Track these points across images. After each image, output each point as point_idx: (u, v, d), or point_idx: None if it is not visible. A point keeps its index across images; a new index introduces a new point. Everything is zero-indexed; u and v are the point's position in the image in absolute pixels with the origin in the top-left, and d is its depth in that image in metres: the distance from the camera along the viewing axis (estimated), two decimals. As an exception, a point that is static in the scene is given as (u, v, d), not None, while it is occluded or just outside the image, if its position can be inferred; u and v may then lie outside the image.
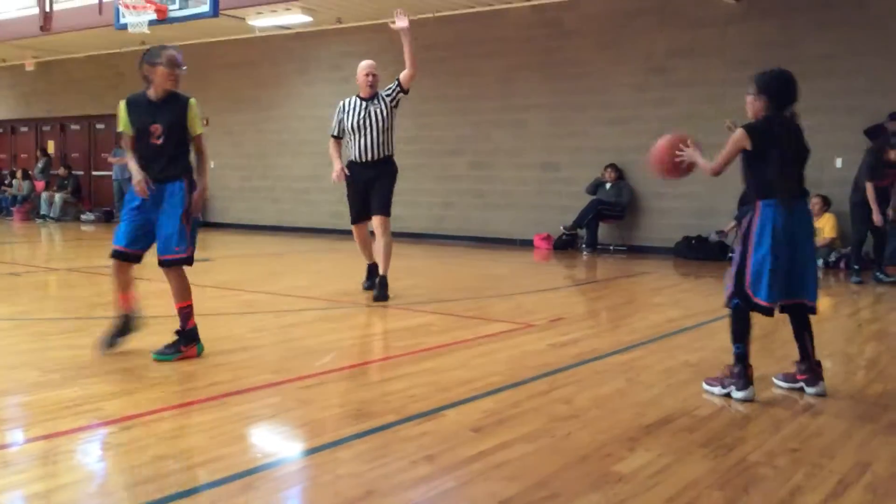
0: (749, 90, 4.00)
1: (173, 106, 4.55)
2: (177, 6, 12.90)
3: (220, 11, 12.74)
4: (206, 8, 12.70)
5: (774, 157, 3.88)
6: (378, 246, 7.01)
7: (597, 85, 12.44)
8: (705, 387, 4.03)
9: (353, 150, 7.04)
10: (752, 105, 4.00)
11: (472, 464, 2.95)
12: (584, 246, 12.21)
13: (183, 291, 4.61)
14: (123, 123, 4.57)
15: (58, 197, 17.89)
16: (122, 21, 13.38)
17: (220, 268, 10.01)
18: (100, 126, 18.49)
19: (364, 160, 7.01)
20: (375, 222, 6.97)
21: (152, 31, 13.60)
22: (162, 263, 4.57)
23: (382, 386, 4.12)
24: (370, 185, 7.02)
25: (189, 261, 4.59)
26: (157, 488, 2.67)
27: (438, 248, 12.59)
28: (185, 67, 4.58)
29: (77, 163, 18.91)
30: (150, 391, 3.85)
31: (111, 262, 4.60)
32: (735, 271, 3.92)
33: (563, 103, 12.75)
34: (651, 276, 9.55)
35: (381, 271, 6.96)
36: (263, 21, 14.29)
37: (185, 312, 4.59)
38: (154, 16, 12.97)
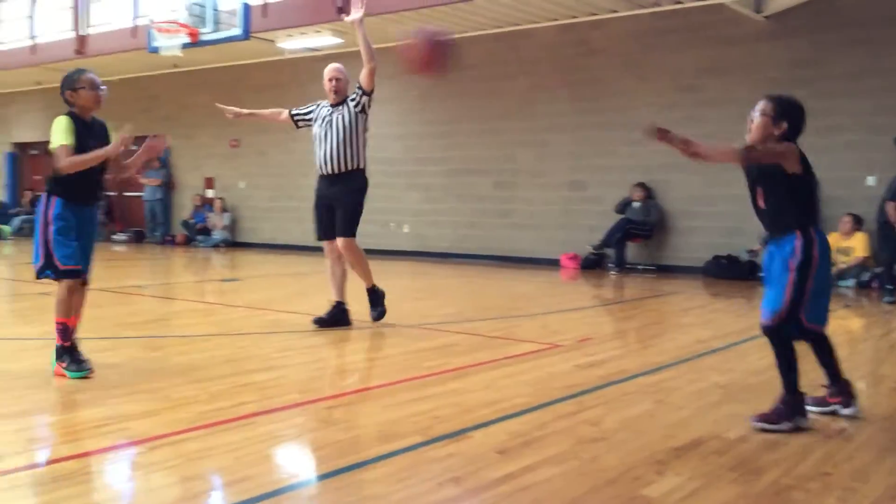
0: (765, 112, 3.79)
1: (102, 129, 4.75)
2: (209, 29, 13.10)
3: (252, 34, 12.91)
4: (238, 31, 12.89)
5: (814, 183, 3.83)
6: (347, 266, 6.57)
7: (624, 104, 12.41)
8: (760, 425, 3.69)
9: (316, 161, 6.53)
10: (765, 128, 3.78)
11: (498, 486, 2.92)
12: (611, 265, 12.14)
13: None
14: (69, 136, 4.49)
15: (90, 217, 18.16)
16: (155, 44, 13.61)
17: (247, 287, 10.07)
18: (133, 148, 18.76)
19: (326, 172, 6.44)
20: (339, 244, 6.46)
21: (184, 54, 13.82)
22: (86, 282, 4.80)
23: (408, 406, 4.11)
24: (336, 202, 6.45)
25: None
26: (184, 509, 2.68)
27: (463, 267, 12.59)
28: (104, 88, 4.68)
29: (108, 184, 19.20)
30: (176, 411, 3.87)
31: (66, 283, 4.61)
32: (789, 299, 3.70)
33: (589, 122, 12.74)
34: (680, 295, 9.46)
35: (366, 285, 6.56)
36: (293, 43, 14.44)
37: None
38: (187, 39, 13.17)
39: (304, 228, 15.94)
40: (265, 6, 13.26)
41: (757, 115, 3.82)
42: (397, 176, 14.61)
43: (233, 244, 16.86)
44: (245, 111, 6.88)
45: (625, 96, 12.42)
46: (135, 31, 15.08)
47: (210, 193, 17.55)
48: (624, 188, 12.22)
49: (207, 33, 13.14)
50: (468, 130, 13.91)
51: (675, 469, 3.15)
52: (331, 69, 6.64)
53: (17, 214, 19.43)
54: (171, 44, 13.39)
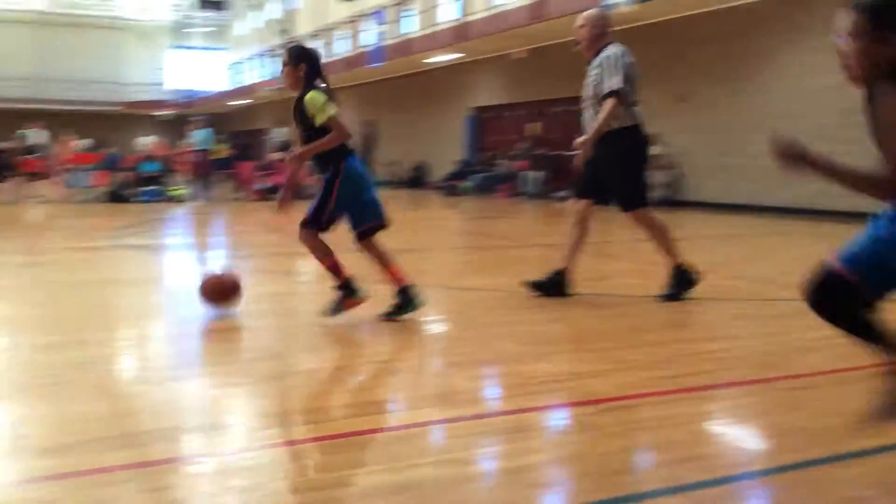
0: (855, 30, 2.41)
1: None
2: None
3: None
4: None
5: None
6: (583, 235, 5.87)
7: None
8: None
9: None
10: (865, 54, 2.42)
11: None
12: None
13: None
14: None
15: (536, 175, 19.22)
16: (609, 1, 13.75)
17: (688, 249, 9.72)
18: (576, 108, 19.42)
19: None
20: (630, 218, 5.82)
21: (630, 9, 13.80)
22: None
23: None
24: (597, 166, 5.67)
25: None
26: (636, 480, 2.55)
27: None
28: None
29: (555, 144, 20.09)
30: (625, 374, 3.76)
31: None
32: None
33: None
34: None
35: (669, 264, 5.75)
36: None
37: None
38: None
39: (751, 187, 15.04)
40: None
41: (844, 39, 2.46)
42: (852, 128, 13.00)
43: (673, 203, 16.53)
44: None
45: None
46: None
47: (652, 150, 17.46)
48: None
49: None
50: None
51: None
52: (577, 19, 5.67)
53: (476, 171, 21.37)
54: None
